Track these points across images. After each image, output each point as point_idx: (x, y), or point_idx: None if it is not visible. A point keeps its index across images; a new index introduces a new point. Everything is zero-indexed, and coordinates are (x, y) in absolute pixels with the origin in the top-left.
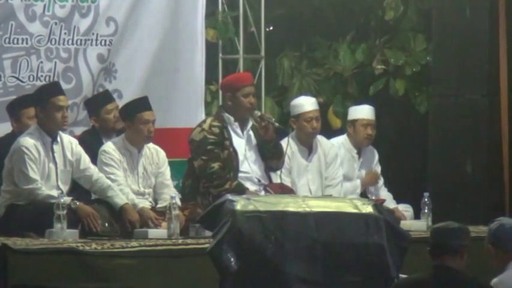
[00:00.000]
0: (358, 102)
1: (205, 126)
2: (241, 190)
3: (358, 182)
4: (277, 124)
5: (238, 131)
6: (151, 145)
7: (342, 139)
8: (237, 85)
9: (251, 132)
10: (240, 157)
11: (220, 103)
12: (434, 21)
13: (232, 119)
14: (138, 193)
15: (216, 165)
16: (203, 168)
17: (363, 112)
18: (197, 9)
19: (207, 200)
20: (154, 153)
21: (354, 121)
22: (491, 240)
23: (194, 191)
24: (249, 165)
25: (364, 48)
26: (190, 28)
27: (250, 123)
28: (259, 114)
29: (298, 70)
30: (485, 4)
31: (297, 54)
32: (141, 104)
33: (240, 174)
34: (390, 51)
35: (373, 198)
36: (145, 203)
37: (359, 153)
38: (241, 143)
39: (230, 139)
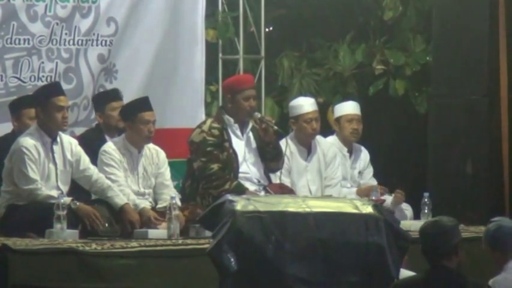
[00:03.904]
0: (359, 102)
1: (205, 127)
2: (241, 190)
3: (353, 190)
4: (276, 128)
5: (238, 132)
6: (151, 145)
7: (331, 139)
8: (238, 88)
9: (251, 134)
10: (240, 158)
11: (220, 103)
12: (434, 21)
13: (232, 120)
14: (138, 193)
15: (215, 166)
16: (202, 170)
17: (346, 108)
18: (197, 10)
19: (207, 200)
20: (154, 154)
21: (339, 118)
22: (489, 241)
23: (194, 191)
24: (248, 166)
25: (364, 48)
26: (190, 28)
27: (250, 125)
28: (259, 116)
29: (298, 70)
30: (485, 4)
31: (296, 54)
32: (142, 104)
33: (240, 175)
34: (390, 52)
35: (373, 198)
36: (145, 204)
37: (350, 152)
38: (241, 145)
39: (230, 141)
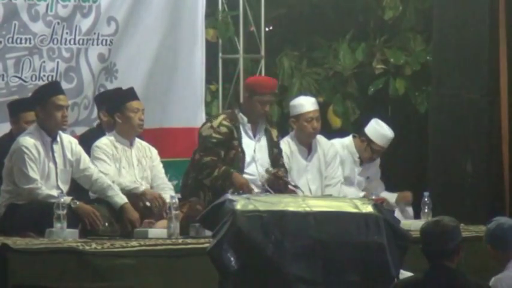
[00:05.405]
0: (359, 102)
1: (215, 123)
2: (228, 173)
3: (361, 194)
4: (293, 184)
5: (250, 133)
6: (142, 142)
7: (347, 141)
8: (258, 90)
9: (264, 137)
10: (248, 158)
11: (221, 102)
12: (435, 20)
13: (246, 119)
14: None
15: (208, 158)
16: (197, 162)
17: (382, 140)
18: (197, 9)
19: (208, 196)
20: (146, 149)
21: (370, 139)
22: (489, 240)
23: (197, 183)
24: (256, 168)
25: (364, 47)
26: (190, 27)
27: (263, 127)
28: (273, 172)
29: (298, 70)
30: (485, 4)
31: (296, 53)
32: (129, 94)
33: (246, 176)
34: (390, 51)
35: (373, 197)
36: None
37: (361, 159)
38: (251, 145)
39: (239, 139)
